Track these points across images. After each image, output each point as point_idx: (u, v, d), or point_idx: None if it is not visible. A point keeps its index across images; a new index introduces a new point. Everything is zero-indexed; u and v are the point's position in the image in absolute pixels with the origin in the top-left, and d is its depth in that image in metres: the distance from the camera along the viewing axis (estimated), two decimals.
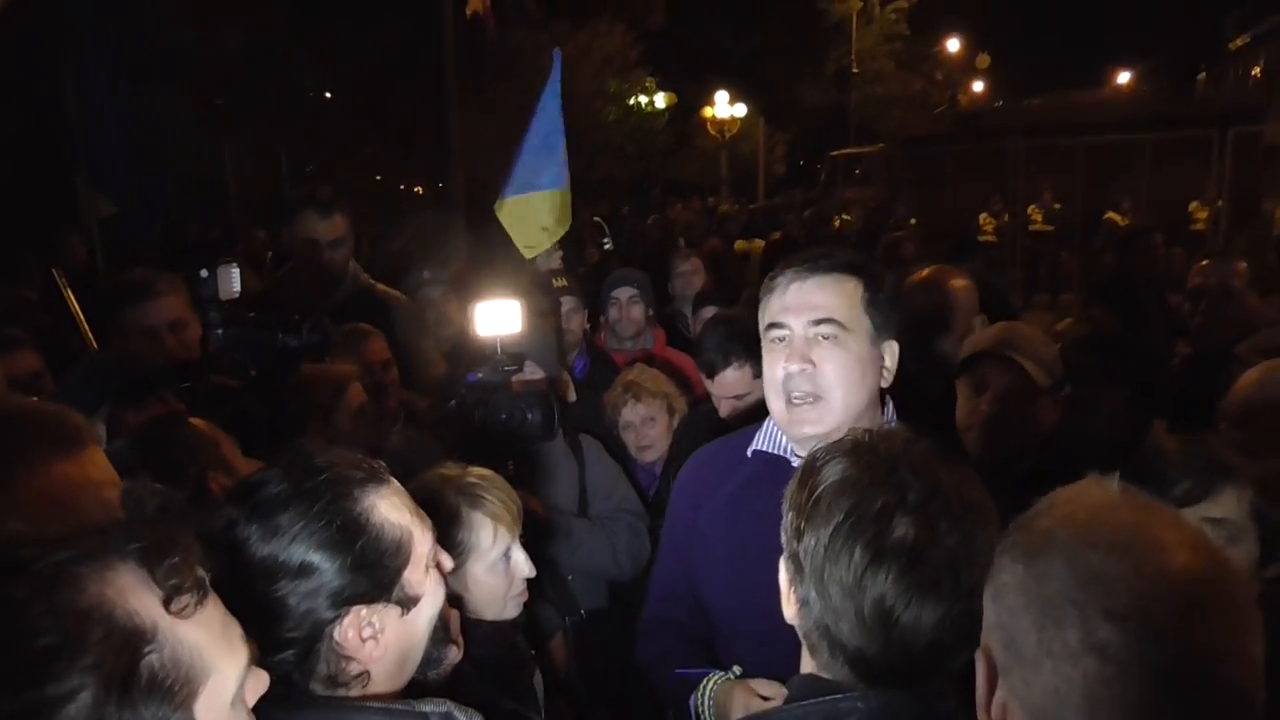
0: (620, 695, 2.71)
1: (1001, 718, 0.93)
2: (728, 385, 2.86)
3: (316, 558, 1.26)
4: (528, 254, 4.22)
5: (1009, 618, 0.90)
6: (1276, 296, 3.84)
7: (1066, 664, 0.84)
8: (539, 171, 4.19)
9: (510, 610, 1.96)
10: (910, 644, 1.16)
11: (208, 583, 0.86)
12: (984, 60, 33.69)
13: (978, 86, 35.13)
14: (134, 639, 0.77)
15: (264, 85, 17.12)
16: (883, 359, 1.81)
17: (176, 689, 0.78)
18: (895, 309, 1.82)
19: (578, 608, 2.90)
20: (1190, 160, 14.99)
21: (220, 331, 2.03)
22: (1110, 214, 14.86)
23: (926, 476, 1.20)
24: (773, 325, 1.81)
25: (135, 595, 0.79)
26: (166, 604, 0.80)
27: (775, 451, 1.90)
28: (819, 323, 1.75)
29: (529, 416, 2.28)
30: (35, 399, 1.29)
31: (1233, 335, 3.43)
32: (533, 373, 2.87)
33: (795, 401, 1.76)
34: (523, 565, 1.94)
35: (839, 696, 1.21)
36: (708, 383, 3.00)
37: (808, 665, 1.30)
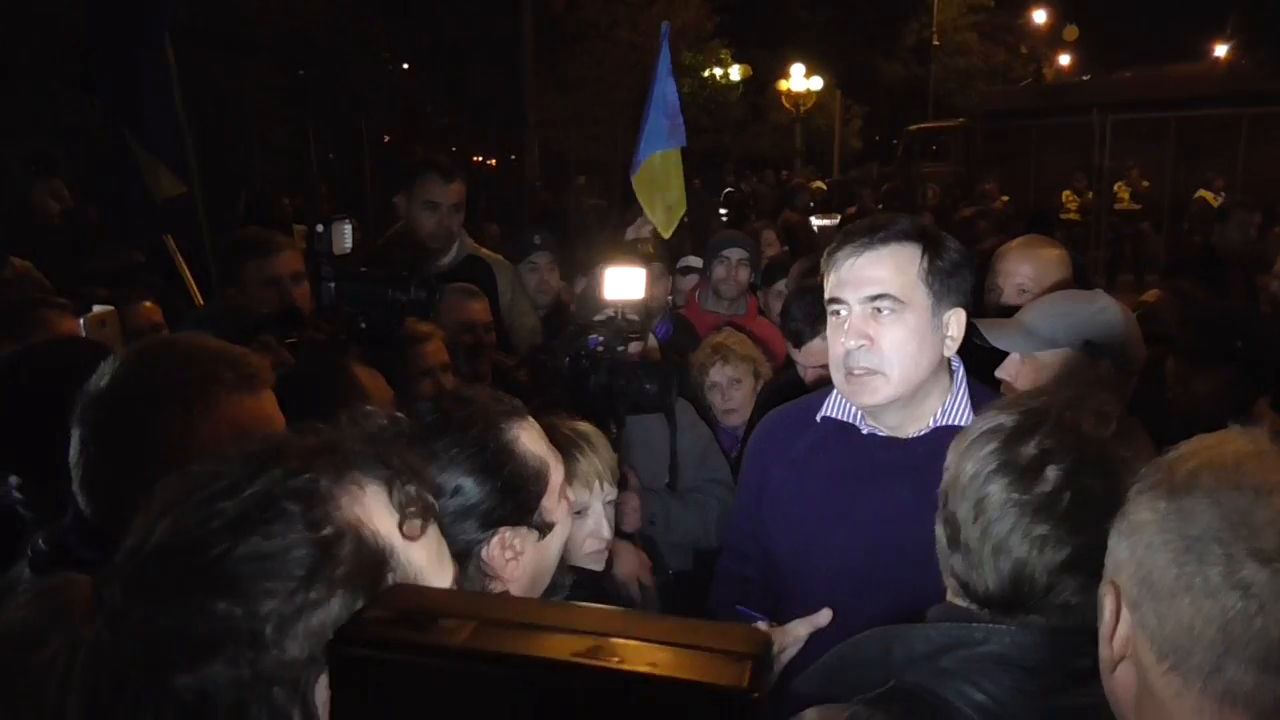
0: None
1: (1123, 651, 0.96)
2: (814, 354, 2.90)
3: (469, 481, 1.38)
4: (664, 231, 4.47)
5: (1145, 553, 0.93)
6: None
7: (1206, 599, 0.87)
8: (658, 135, 4.45)
9: (591, 563, 1.99)
10: (1030, 585, 1.21)
11: (435, 508, 0.93)
12: (1072, 32, 32.44)
13: (1064, 60, 33.92)
14: (379, 557, 0.83)
15: (345, 57, 17.46)
16: (945, 328, 1.80)
17: None
18: (959, 276, 1.80)
19: (666, 569, 2.98)
20: None
21: (332, 285, 2.15)
22: (1202, 192, 14.30)
23: (1076, 431, 1.24)
24: (831, 300, 1.83)
25: (379, 517, 0.85)
26: (400, 526, 0.86)
27: (844, 419, 1.93)
28: (875, 298, 1.76)
29: (646, 386, 2.31)
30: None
31: None
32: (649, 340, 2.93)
33: (855, 374, 1.80)
34: (598, 526, 1.96)
35: (973, 625, 1.25)
36: (794, 351, 3.04)
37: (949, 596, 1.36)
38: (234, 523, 0.80)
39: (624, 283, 2.33)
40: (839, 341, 1.81)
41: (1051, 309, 2.33)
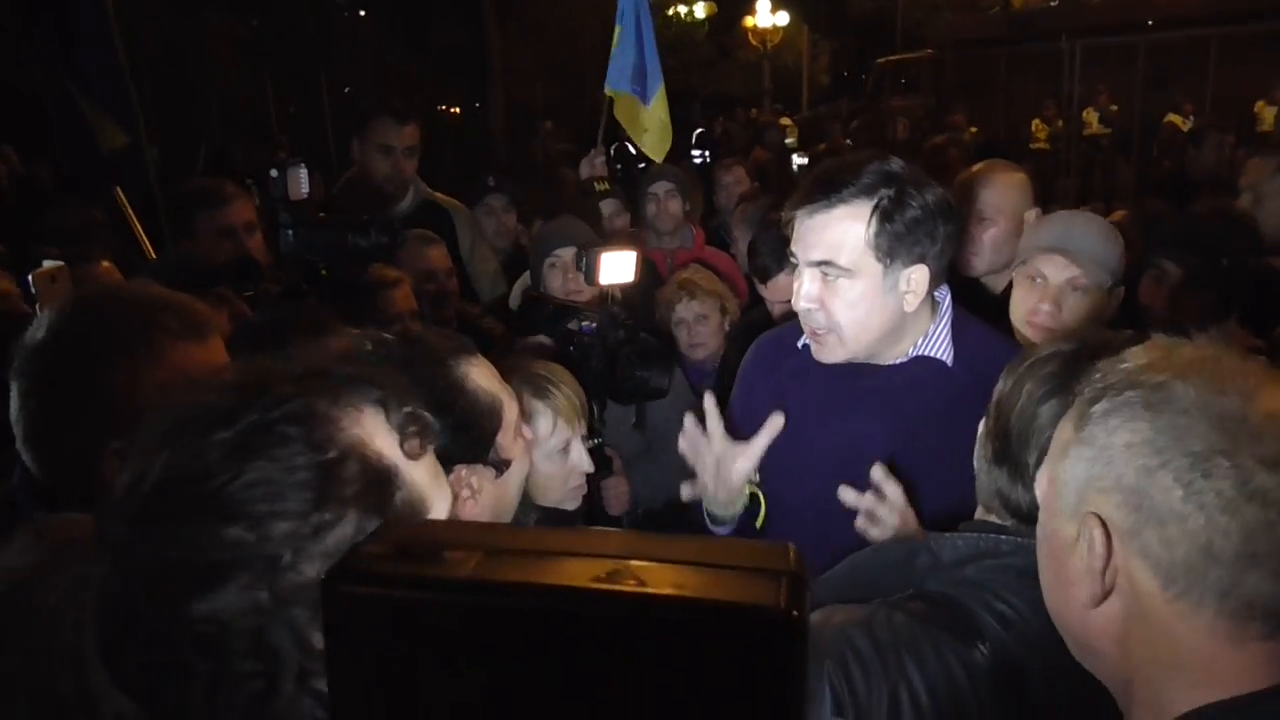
0: None
1: (1114, 583, 0.92)
2: (780, 289, 2.88)
3: None
4: (657, 156, 4.53)
5: (1139, 478, 0.88)
6: None
7: (1222, 515, 0.84)
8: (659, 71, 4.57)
9: (568, 502, 2.01)
10: None
11: (434, 427, 0.93)
12: None
13: None
14: (385, 476, 0.84)
15: (301, 6, 17.00)
16: (904, 285, 1.76)
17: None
18: (919, 231, 1.72)
19: (637, 506, 2.98)
20: (1259, 57, 14.30)
21: (290, 232, 2.09)
22: (1171, 116, 14.27)
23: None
24: (790, 252, 1.84)
25: (380, 437, 0.86)
26: (401, 445, 0.87)
27: None
28: (820, 263, 1.76)
29: (645, 374, 2.27)
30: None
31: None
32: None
33: (812, 331, 1.83)
34: (580, 460, 1.98)
35: (1002, 538, 1.26)
36: (760, 287, 3.02)
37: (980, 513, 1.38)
38: (235, 450, 0.79)
39: (616, 267, 2.27)
40: (796, 296, 1.82)
41: (1102, 232, 2.29)
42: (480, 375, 1.44)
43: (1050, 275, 2.27)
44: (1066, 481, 0.96)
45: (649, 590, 0.42)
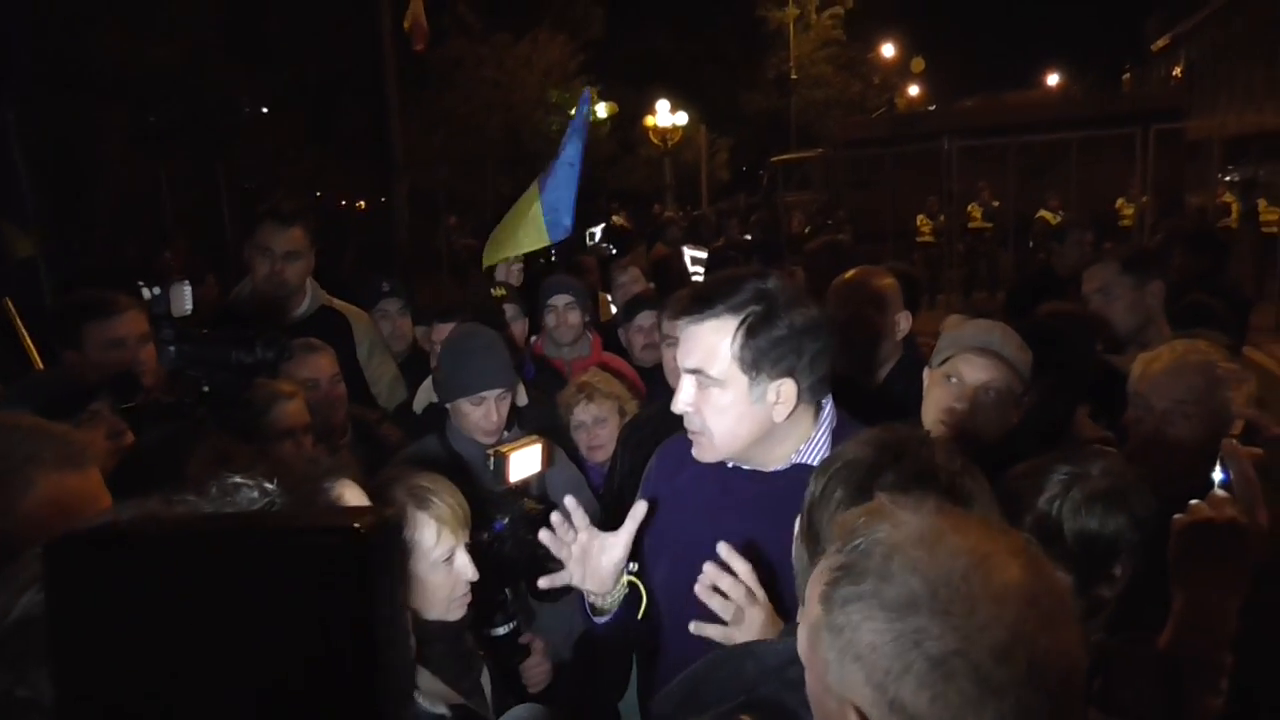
0: (573, 695, 2.77)
1: None
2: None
3: None
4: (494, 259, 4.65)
5: (885, 679, 0.92)
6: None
7: (969, 713, 0.89)
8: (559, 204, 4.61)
9: (453, 613, 1.99)
10: None
11: None
12: (918, 64, 34.51)
13: (914, 90, 35.97)
14: None
15: (199, 101, 16.88)
16: (772, 397, 1.83)
17: None
18: (785, 347, 1.81)
19: (532, 614, 2.94)
20: (1116, 157, 15.54)
21: (173, 348, 2.07)
22: (1043, 212, 15.30)
23: (930, 461, 1.36)
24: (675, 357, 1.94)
25: None
26: None
27: None
28: (694, 371, 1.85)
29: (552, 567, 2.18)
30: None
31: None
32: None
33: (689, 431, 1.92)
34: (465, 569, 1.97)
35: None
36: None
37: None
38: None
39: (525, 462, 2.30)
40: (676, 400, 1.91)
41: (1017, 341, 2.37)
42: (353, 496, 1.46)
43: (967, 376, 2.33)
44: (824, 661, 0.99)
45: (270, 521, 0.62)
